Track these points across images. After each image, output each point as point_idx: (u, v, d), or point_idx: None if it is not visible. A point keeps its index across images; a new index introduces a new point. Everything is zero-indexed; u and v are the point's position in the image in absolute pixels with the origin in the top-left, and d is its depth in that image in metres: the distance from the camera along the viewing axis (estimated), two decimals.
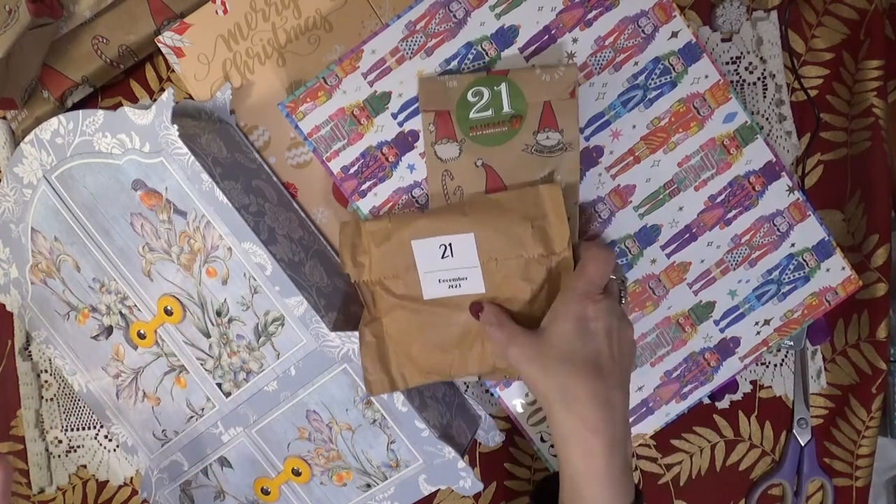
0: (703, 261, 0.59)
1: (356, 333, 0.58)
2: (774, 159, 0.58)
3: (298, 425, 0.63)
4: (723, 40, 0.68)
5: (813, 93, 0.69)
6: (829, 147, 0.69)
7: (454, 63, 0.56)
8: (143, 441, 0.67)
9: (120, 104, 0.68)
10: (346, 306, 0.63)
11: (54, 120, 0.61)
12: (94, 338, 0.65)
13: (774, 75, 0.68)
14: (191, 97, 0.66)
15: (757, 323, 0.60)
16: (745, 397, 0.71)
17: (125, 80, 0.69)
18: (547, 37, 0.56)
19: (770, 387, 0.71)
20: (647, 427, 0.61)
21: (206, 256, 0.60)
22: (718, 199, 0.59)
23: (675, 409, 0.61)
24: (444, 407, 0.65)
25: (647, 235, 0.59)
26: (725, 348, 0.60)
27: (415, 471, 0.61)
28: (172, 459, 0.67)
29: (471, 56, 0.56)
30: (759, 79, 0.68)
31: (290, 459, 0.64)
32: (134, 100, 0.69)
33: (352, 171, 0.58)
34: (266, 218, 0.61)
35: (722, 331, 0.60)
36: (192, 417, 0.65)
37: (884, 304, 0.67)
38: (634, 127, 0.58)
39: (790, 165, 0.68)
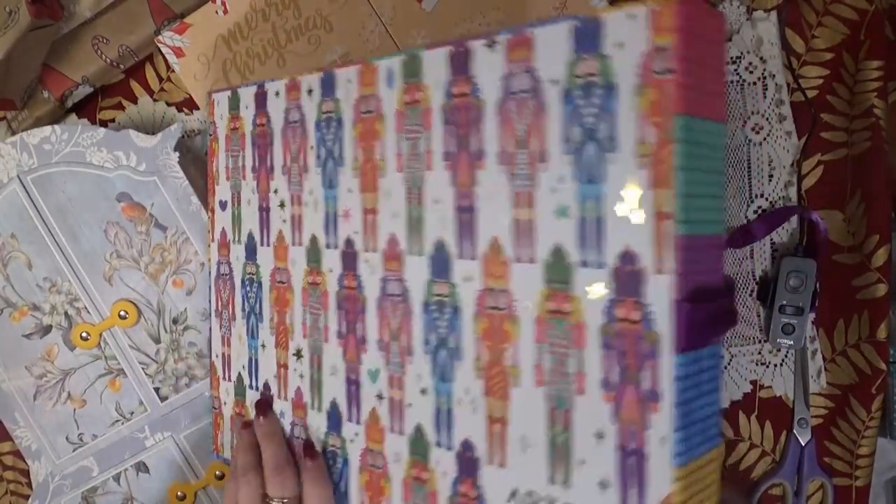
0: None
1: None
2: None
3: None
4: None
5: (813, 93, 0.69)
6: (830, 147, 0.69)
7: None
8: (52, 445, 0.66)
9: (120, 104, 0.69)
10: None
11: (48, 128, 0.62)
12: (27, 336, 0.64)
13: (774, 75, 0.68)
14: (190, 97, 0.67)
15: None
16: (745, 397, 0.71)
17: (125, 80, 0.69)
18: None
19: (770, 387, 0.71)
20: None
21: (177, 268, 0.63)
22: None
23: None
24: None
25: None
26: None
27: None
28: (81, 465, 0.65)
29: None
30: (759, 79, 0.68)
31: (216, 464, 0.65)
32: (134, 100, 0.69)
33: None
34: None
35: None
36: (117, 421, 0.65)
37: (884, 304, 0.67)
38: None
39: (790, 165, 0.68)
